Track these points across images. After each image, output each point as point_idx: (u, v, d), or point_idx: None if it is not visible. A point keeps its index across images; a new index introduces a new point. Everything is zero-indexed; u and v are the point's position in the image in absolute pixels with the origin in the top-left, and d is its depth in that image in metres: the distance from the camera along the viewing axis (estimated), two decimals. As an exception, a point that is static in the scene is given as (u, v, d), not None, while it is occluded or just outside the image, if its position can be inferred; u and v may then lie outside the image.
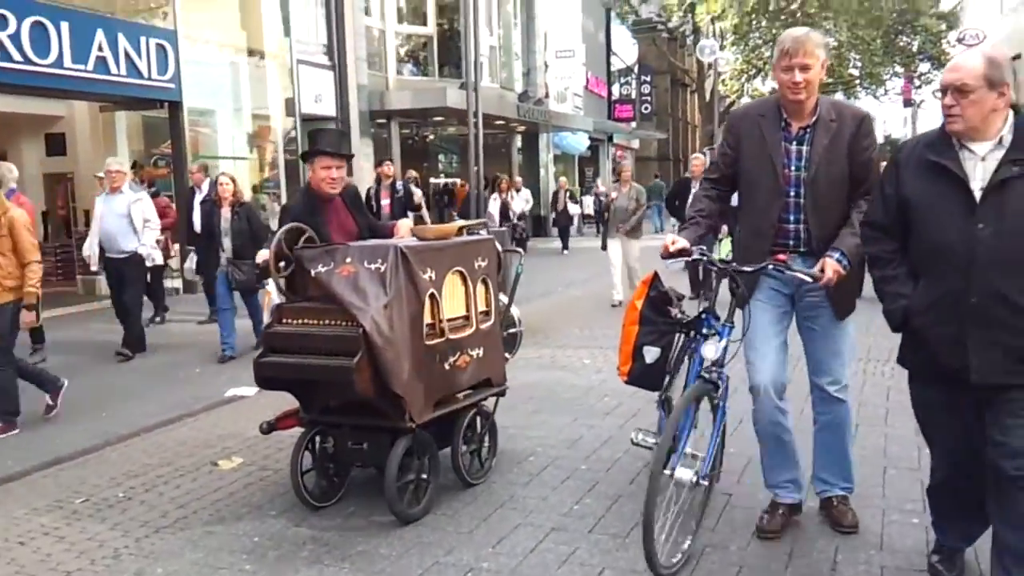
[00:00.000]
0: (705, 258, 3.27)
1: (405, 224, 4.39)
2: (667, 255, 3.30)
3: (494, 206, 15.72)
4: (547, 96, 23.68)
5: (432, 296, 3.77)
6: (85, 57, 10.58)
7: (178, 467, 4.64)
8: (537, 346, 7.56)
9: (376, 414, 3.70)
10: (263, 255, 4.02)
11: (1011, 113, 2.61)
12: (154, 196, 9.44)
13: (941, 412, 2.78)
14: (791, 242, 3.24)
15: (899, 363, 2.92)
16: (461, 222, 4.86)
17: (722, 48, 30.67)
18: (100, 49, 10.76)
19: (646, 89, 34.66)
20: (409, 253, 3.66)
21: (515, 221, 15.67)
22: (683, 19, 35.17)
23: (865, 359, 6.45)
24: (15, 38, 9.70)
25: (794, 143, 3.22)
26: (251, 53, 14.37)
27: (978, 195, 2.55)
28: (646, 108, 34.58)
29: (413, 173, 14.19)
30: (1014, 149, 2.56)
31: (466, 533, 3.59)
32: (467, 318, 4.04)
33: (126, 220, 7.56)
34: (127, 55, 11.14)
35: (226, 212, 7.41)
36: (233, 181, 7.54)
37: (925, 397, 2.84)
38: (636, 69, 35.05)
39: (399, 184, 11.66)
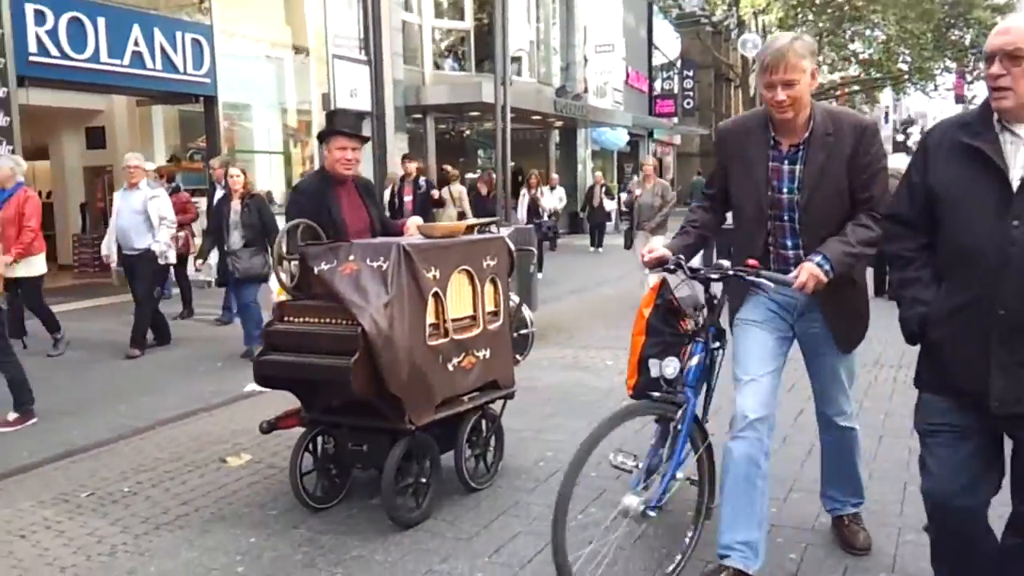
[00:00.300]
0: (677, 267, 3.04)
1: (414, 222, 4.31)
2: (645, 265, 3.14)
3: (522, 202, 15.54)
4: (586, 91, 23.44)
5: (436, 295, 3.69)
6: (121, 52, 10.73)
7: (187, 462, 4.64)
8: (560, 346, 7.45)
9: (376, 415, 3.64)
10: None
11: None
12: (175, 192, 9.44)
13: (951, 446, 2.31)
14: (792, 268, 2.92)
15: (915, 385, 2.45)
16: (471, 220, 4.76)
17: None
18: (136, 44, 10.91)
19: (688, 84, 34.13)
20: (412, 251, 3.58)
21: (544, 218, 15.41)
22: (727, 13, 34.61)
23: (896, 365, 6.21)
24: (52, 33, 9.88)
25: (786, 162, 2.91)
26: (287, 48, 14.44)
27: (1016, 186, 2.14)
28: (688, 103, 34.08)
29: (449, 168, 14.10)
30: None
31: (465, 540, 3.51)
32: (474, 318, 3.95)
33: (142, 216, 7.54)
34: (163, 50, 11.28)
35: (236, 204, 7.37)
36: (244, 173, 7.49)
37: (935, 423, 2.36)
38: (678, 64, 34.59)
39: (422, 180, 11.61)
